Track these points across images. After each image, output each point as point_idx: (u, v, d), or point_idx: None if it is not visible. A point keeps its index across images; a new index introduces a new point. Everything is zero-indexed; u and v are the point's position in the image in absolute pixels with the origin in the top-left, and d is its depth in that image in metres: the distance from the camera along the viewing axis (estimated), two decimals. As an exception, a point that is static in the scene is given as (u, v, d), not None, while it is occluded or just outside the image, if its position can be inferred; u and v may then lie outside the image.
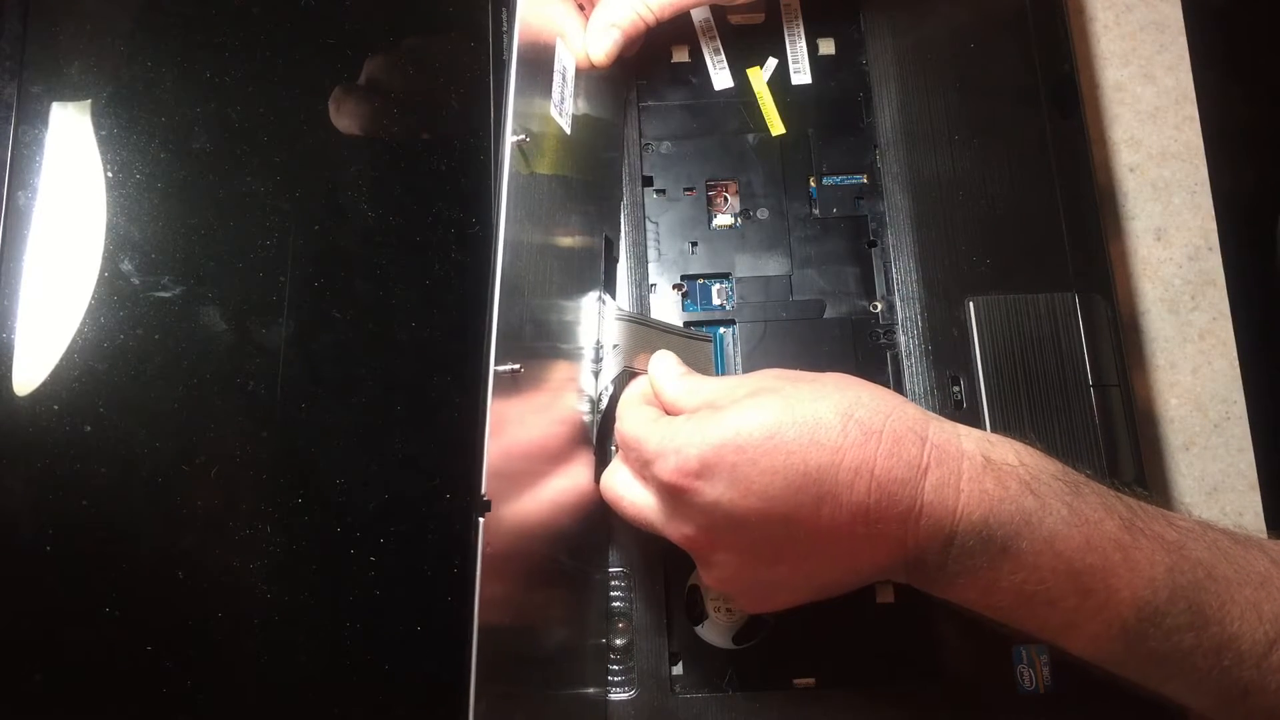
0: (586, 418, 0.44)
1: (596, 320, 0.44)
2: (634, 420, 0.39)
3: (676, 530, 0.37)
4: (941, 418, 0.36)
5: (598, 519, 0.44)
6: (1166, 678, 0.34)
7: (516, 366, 0.38)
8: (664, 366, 0.41)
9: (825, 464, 0.34)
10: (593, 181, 0.48)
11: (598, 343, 0.44)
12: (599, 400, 0.44)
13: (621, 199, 0.49)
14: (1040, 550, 0.32)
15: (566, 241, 0.45)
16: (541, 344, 0.41)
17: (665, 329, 0.45)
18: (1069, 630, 0.34)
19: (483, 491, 0.36)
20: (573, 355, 0.43)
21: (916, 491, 0.33)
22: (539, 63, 0.44)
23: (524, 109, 0.42)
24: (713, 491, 0.35)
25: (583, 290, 0.45)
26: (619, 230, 0.49)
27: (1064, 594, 0.33)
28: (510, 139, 0.40)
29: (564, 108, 0.45)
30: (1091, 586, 0.32)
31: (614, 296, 0.47)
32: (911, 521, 0.33)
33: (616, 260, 0.48)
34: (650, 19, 0.47)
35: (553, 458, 0.41)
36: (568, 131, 0.45)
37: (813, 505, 0.34)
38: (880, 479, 0.33)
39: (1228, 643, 0.32)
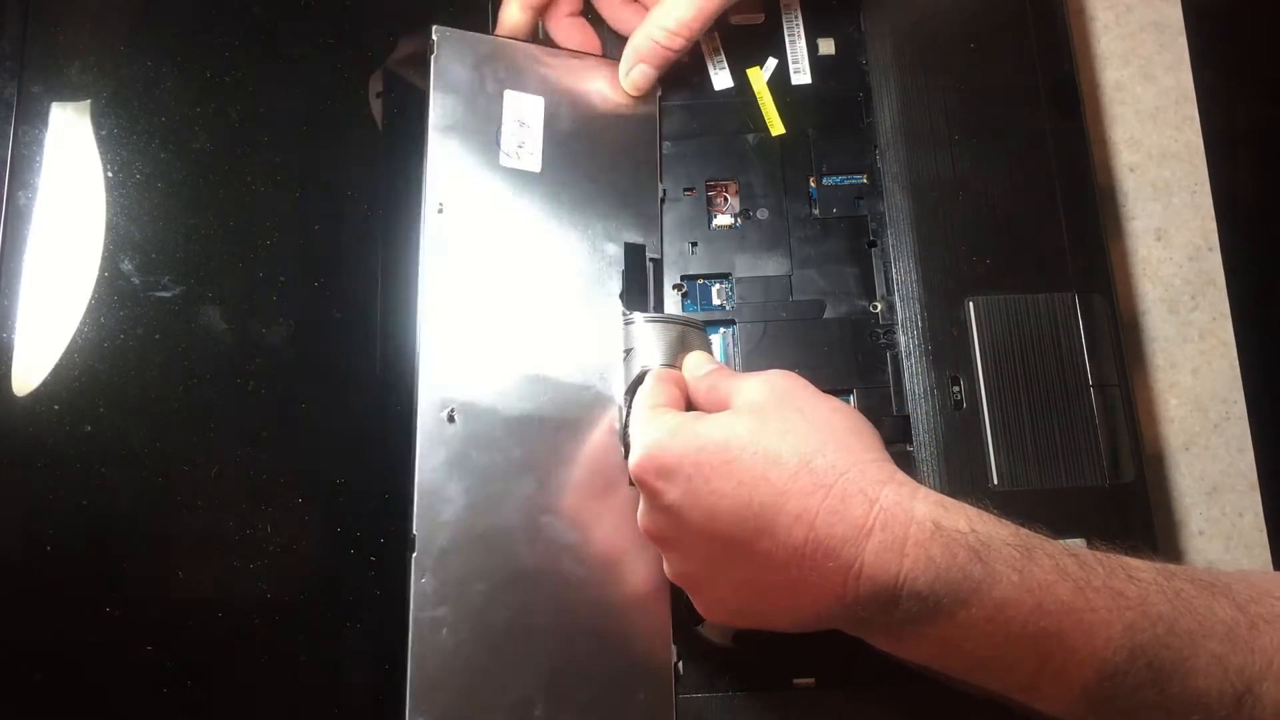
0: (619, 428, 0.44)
1: (622, 331, 0.44)
2: (635, 411, 0.41)
3: (640, 519, 0.39)
4: (905, 478, 0.36)
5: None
6: None
7: (450, 410, 0.42)
8: (696, 358, 0.43)
9: (769, 502, 0.34)
10: (606, 191, 0.48)
11: (626, 350, 0.44)
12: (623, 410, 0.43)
13: (662, 197, 0.49)
14: (990, 616, 0.33)
15: (565, 264, 0.46)
16: (556, 375, 0.43)
17: (682, 321, 0.45)
18: (1030, 692, 0.34)
19: (413, 531, 0.39)
20: (593, 375, 0.44)
21: (858, 551, 0.33)
22: (468, 123, 0.46)
23: (460, 170, 0.45)
24: (669, 495, 0.36)
25: (594, 305, 0.45)
26: (658, 230, 0.48)
27: (1019, 659, 0.33)
28: (432, 215, 0.43)
29: (524, 150, 0.46)
30: (1048, 650, 0.32)
31: (645, 306, 0.46)
32: (851, 580, 0.34)
33: (661, 263, 0.48)
34: (676, 45, 0.47)
35: (590, 481, 0.43)
36: (537, 170, 0.46)
37: (752, 535, 0.35)
38: (820, 532, 0.34)
39: (1195, 699, 0.32)
